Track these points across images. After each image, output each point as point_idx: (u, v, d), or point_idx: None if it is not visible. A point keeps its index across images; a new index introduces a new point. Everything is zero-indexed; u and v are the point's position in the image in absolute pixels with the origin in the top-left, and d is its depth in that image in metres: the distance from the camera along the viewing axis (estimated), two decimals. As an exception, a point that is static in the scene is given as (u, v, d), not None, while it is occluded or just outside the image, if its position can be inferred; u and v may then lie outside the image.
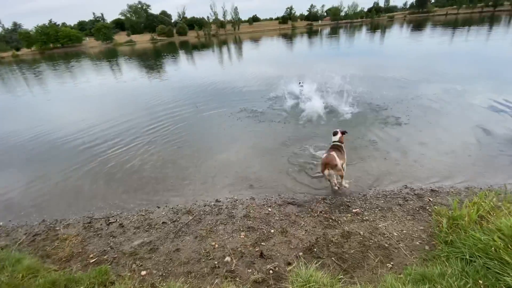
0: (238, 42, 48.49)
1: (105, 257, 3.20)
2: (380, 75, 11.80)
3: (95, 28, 78.98)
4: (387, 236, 3.12)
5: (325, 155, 4.10)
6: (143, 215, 3.98)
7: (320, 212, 3.70)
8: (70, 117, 9.63)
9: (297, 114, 7.79)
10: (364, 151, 5.40)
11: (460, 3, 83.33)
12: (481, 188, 3.99)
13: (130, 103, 11.18)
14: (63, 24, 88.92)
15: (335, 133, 4.62)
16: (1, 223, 4.28)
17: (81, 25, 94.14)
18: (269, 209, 3.89)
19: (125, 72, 22.17)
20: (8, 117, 10.92)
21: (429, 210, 3.56)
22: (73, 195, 4.84)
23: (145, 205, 4.27)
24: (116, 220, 3.92)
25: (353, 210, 3.67)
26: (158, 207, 4.16)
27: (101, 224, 3.86)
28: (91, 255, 3.27)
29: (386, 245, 2.99)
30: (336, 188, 4.23)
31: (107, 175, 5.35)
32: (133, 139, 6.97)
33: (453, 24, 42.66)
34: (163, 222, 3.75)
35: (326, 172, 3.97)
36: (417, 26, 48.75)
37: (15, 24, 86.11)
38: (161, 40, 77.14)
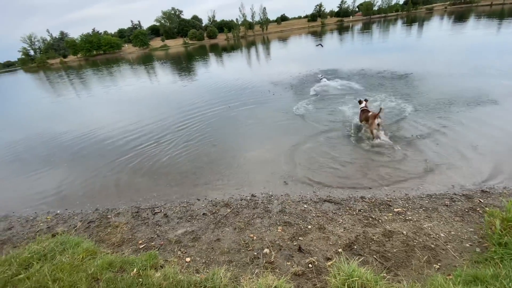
0: (266, 43, 48.67)
1: (152, 243, 3.47)
2: (424, 71, 11.11)
3: (133, 35, 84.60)
4: (433, 237, 2.98)
5: (370, 113, 5.61)
6: (184, 206, 4.23)
7: (359, 210, 3.63)
8: (114, 118, 10.45)
9: (327, 111, 7.68)
10: (409, 147, 5.17)
11: (505, -8, 75.02)
12: (540, 190, 3.63)
13: (167, 103, 11.82)
14: (105, 32, 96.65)
15: (360, 102, 6.30)
16: (58, 211, 4.80)
17: (121, 33, 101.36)
18: (305, 206, 3.90)
19: (160, 75, 23.44)
20: (61, 119, 12.16)
21: (480, 211, 3.33)
22: (121, 187, 5.28)
23: (186, 197, 4.53)
24: (161, 210, 4.21)
25: (395, 210, 3.54)
26: (198, 200, 4.38)
27: (147, 214, 4.18)
28: (140, 241, 3.55)
29: (433, 245, 2.86)
30: (378, 138, 5.43)
31: (150, 170, 5.75)
32: (172, 137, 7.39)
33: (499, 15, 38.58)
34: (203, 214, 3.95)
35: (376, 121, 5.36)
36: (460, 17, 44.90)
37: (62, 33, 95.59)
38: (193, 44, 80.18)
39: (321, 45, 11.09)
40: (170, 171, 5.58)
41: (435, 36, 24.96)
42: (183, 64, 29.63)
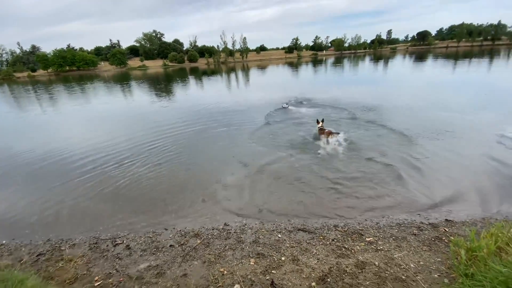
0: (246, 70, 50.30)
1: (110, 280, 3.11)
2: (386, 103, 11.98)
3: (110, 53, 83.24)
4: (404, 268, 2.99)
5: (326, 130, 7.57)
6: (150, 237, 3.91)
7: (333, 240, 3.59)
8: (79, 137, 9.83)
9: (300, 135, 7.88)
10: (375, 177, 5.34)
11: (459, 36, 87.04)
12: (497, 219, 3.88)
13: (140, 124, 11.41)
14: (81, 49, 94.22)
15: (318, 121, 8.08)
16: (4, 241, 4.23)
17: (98, 50, 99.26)
18: (279, 235, 3.79)
19: (136, 95, 22.94)
20: (22, 136, 11.20)
21: (446, 240, 3.44)
22: (80, 214, 4.81)
23: (152, 226, 4.20)
24: (123, 241, 3.85)
25: (367, 239, 3.55)
26: (166, 229, 4.09)
27: (107, 245, 3.79)
28: (96, 278, 3.17)
29: (403, 277, 2.86)
30: (331, 145, 7.02)
31: (115, 195, 5.34)
32: (142, 160, 7.03)
33: (454, 57, 44.05)
34: (170, 245, 3.67)
35: (328, 138, 7.23)
36: (420, 57, 50.31)
37: (33, 46, 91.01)
38: (173, 66, 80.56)
39: (285, 105, 12.17)
40: (137, 196, 5.22)
41: (399, 72, 27.50)
42: (161, 84, 29.40)
